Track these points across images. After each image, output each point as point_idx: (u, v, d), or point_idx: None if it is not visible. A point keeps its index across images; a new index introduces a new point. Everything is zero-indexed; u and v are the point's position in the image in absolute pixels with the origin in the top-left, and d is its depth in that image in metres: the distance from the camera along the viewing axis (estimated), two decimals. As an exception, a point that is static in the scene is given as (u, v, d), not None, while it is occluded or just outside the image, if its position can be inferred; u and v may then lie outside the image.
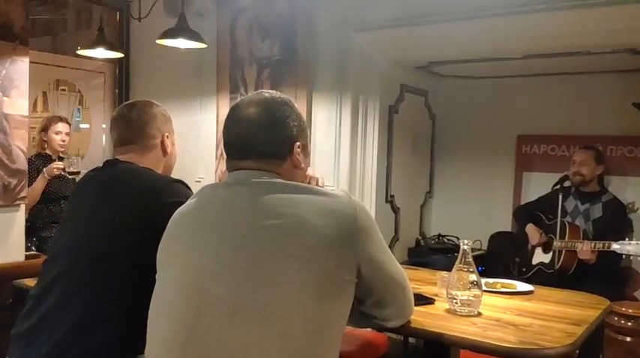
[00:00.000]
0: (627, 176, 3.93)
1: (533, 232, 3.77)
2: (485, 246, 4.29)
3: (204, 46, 3.53)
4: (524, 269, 3.79)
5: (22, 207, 3.16)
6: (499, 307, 1.91)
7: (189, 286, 1.31)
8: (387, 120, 4.07)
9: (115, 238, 1.68)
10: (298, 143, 1.46)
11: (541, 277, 3.56)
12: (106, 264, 1.67)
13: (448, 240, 4.41)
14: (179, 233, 1.42)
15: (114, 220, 1.70)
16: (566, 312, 1.87)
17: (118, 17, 4.55)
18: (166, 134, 1.93)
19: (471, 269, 1.79)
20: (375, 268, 1.38)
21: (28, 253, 3.27)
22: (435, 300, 1.93)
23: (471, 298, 1.78)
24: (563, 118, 4.15)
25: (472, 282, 1.78)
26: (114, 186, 1.80)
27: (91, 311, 1.63)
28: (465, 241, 1.82)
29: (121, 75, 4.65)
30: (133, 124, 1.90)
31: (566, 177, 3.61)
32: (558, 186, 3.53)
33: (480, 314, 1.79)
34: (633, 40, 3.16)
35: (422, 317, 1.70)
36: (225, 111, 4.31)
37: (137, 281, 1.64)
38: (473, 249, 4.57)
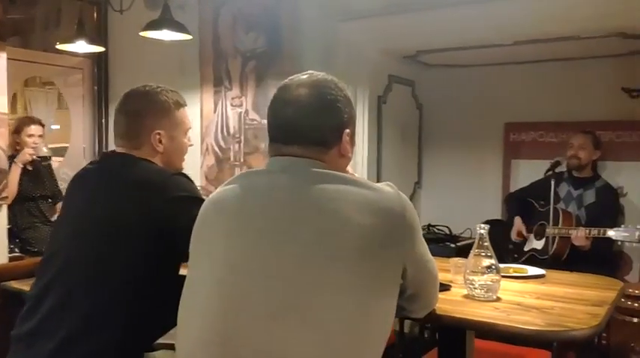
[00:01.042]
0: (616, 161, 3.93)
1: (516, 226, 3.77)
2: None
3: (189, 37, 3.43)
4: (516, 256, 3.77)
5: (4, 207, 3.06)
6: (516, 291, 1.87)
7: (225, 282, 1.22)
8: (375, 111, 4.03)
9: (115, 235, 1.60)
10: (348, 130, 1.36)
11: (534, 263, 3.54)
12: (107, 262, 1.59)
13: (439, 229, 4.39)
14: (215, 222, 1.32)
15: (113, 216, 1.62)
16: (584, 294, 1.84)
17: (95, 12, 4.43)
18: (157, 131, 1.75)
19: (489, 254, 1.75)
20: (419, 268, 1.32)
21: (11, 255, 3.16)
22: (451, 286, 1.88)
23: (489, 283, 1.74)
24: (552, 105, 4.14)
25: (489, 267, 1.74)
26: (111, 179, 1.71)
27: (94, 310, 1.56)
28: (482, 225, 1.78)
29: (100, 71, 4.54)
30: (122, 120, 1.78)
31: (558, 163, 3.60)
32: (551, 172, 3.51)
33: (499, 298, 1.75)
34: (624, 24, 3.15)
35: (442, 304, 1.64)
36: (209, 105, 4.23)
37: (142, 278, 1.59)
38: (463, 238, 4.49)
